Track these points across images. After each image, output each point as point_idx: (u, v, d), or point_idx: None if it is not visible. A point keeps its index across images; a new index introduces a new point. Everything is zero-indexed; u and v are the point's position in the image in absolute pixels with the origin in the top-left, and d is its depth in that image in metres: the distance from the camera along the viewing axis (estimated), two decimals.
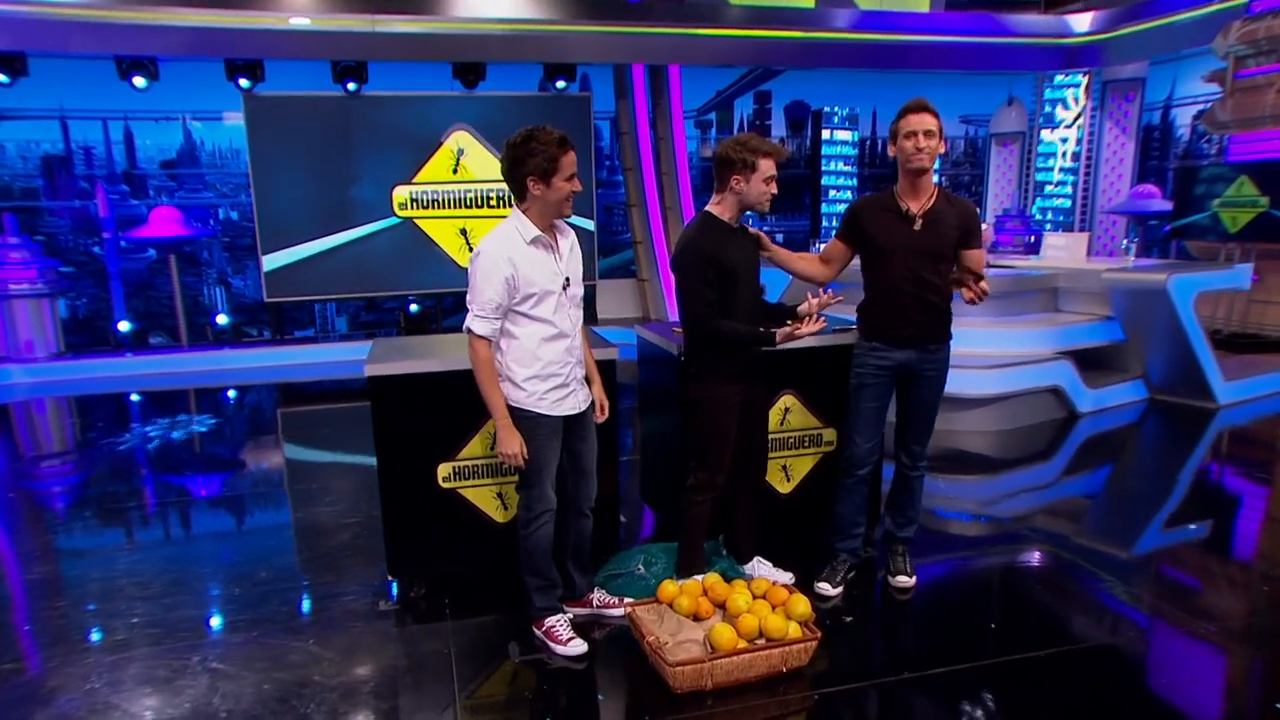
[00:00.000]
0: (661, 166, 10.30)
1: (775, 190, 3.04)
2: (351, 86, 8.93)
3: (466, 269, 2.79)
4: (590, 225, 10.02)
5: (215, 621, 3.38)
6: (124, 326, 9.50)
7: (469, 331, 2.75)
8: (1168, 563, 3.93)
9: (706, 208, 3.11)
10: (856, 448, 3.38)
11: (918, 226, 3.13)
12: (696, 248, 2.99)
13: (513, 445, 2.80)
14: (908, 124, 3.07)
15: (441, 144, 9.45)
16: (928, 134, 3.04)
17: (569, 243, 2.90)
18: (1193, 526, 4.34)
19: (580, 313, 2.96)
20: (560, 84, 9.63)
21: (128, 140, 9.50)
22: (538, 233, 2.76)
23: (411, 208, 9.50)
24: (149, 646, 3.13)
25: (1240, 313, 8.16)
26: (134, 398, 7.81)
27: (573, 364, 2.91)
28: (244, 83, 8.63)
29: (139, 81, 8.48)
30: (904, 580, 3.46)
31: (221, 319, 9.84)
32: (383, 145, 9.22)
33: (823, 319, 3.04)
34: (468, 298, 2.76)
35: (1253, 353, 7.49)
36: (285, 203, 9.03)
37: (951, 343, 3.31)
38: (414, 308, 10.14)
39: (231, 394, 7.98)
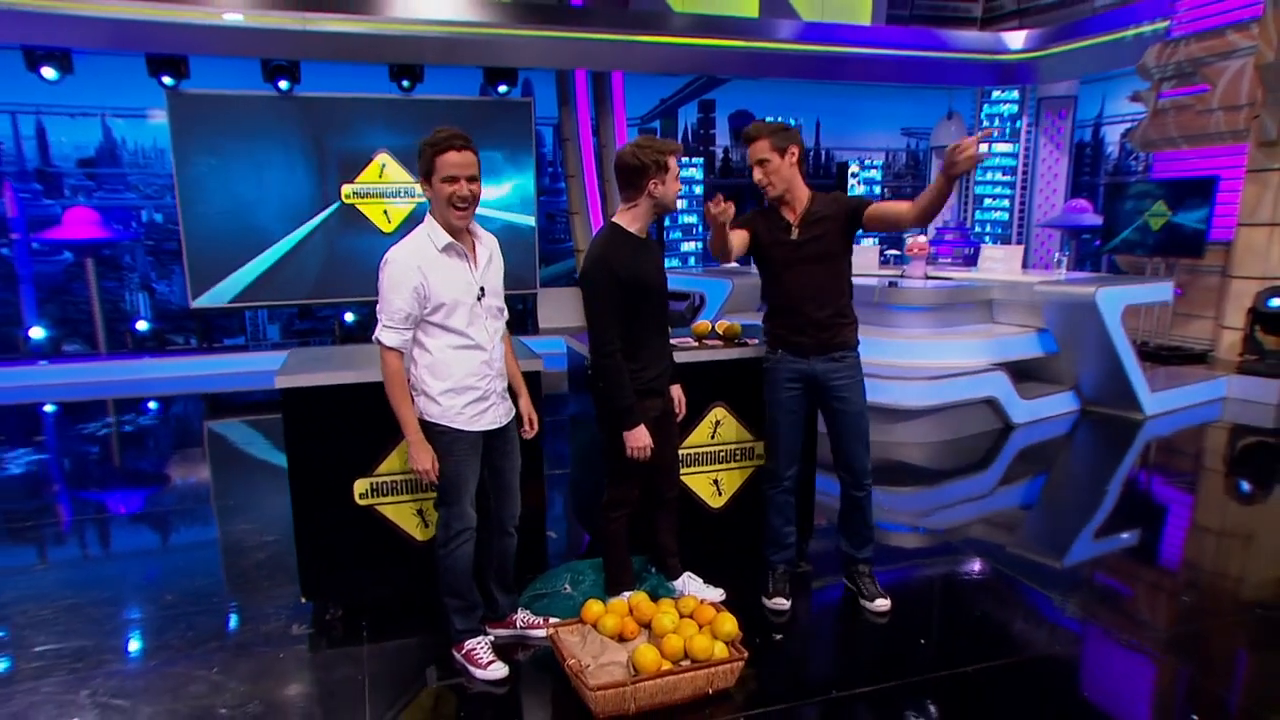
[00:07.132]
0: (604, 174, 10.27)
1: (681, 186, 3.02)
2: (284, 85, 8.69)
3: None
4: (530, 220, 9.96)
5: (112, 650, 3.17)
6: (36, 333, 9.06)
7: (378, 342, 2.66)
8: (1099, 571, 3.99)
9: (614, 219, 3.02)
10: (775, 460, 3.37)
11: (794, 235, 3.13)
12: (608, 268, 2.88)
13: (424, 460, 2.71)
14: None
15: (372, 160, 9.38)
16: (760, 163, 3.06)
17: (488, 252, 2.81)
18: (1122, 536, 4.43)
19: (500, 324, 2.87)
20: (502, 89, 9.52)
21: (40, 136, 9.05)
22: (449, 240, 2.67)
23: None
24: (33, 681, 2.92)
25: (1165, 325, 8.43)
26: (47, 408, 7.44)
27: (492, 376, 2.81)
28: (168, 80, 8.33)
29: (48, 73, 8.07)
30: (881, 604, 3.34)
31: (142, 325, 9.43)
32: (320, 150, 9.03)
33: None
34: (377, 308, 2.67)
35: (1177, 364, 7.74)
36: (212, 209, 8.77)
37: (861, 350, 3.29)
38: (349, 317, 9.89)
39: (153, 405, 7.65)
